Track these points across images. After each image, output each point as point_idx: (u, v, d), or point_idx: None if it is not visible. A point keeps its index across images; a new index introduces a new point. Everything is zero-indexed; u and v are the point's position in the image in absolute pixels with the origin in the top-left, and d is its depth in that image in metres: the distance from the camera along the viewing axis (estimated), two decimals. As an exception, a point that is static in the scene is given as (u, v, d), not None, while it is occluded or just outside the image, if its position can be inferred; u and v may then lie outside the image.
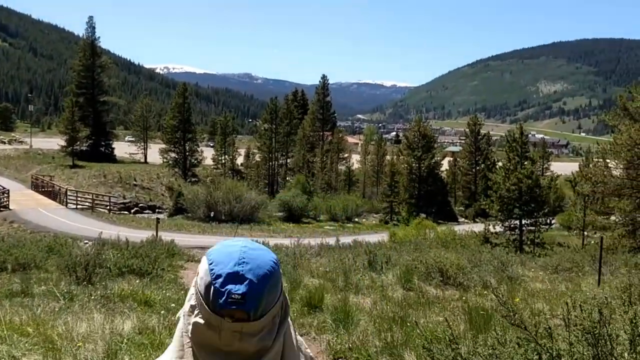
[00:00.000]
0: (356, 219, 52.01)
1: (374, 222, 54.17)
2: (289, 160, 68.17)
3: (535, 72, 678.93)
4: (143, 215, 47.85)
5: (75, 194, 45.89)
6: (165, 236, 33.28)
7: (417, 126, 58.60)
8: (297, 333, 1.36)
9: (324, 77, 75.53)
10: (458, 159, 68.37)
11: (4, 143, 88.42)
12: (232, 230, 34.71)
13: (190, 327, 1.20)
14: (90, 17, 74.94)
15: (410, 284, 9.72)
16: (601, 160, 24.01)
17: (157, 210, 53.21)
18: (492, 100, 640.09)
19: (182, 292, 9.91)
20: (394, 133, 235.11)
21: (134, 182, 59.68)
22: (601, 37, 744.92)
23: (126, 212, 50.26)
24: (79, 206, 44.07)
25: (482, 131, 66.49)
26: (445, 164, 65.44)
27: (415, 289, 9.65)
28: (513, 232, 27.22)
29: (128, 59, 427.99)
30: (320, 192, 58.27)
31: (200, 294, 1.19)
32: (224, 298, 1.14)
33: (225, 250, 1.22)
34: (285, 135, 65.71)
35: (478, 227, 38.33)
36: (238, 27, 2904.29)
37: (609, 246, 22.98)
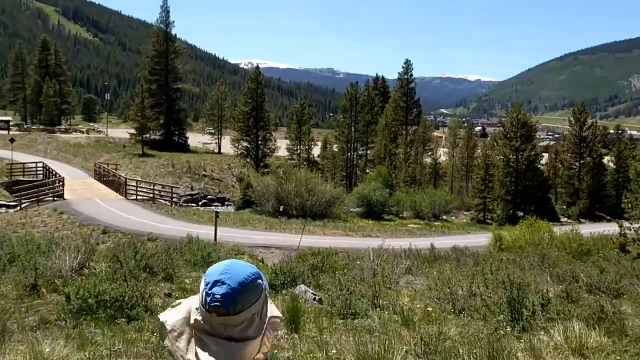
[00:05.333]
0: (444, 217, 46.31)
1: (464, 220, 48.41)
2: (369, 152, 62.80)
3: (627, 67, 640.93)
4: (211, 208, 44.17)
5: (136, 185, 42.39)
6: (226, 233, 29.08)
7: (516, 113, 51.73)
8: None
9: (407, 62, 69.64)
10: (560, 153, 60.94)
11: (82, 133, 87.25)
12: (302, 227, 29.97)
13: (193, 322, 1.61)
14: (165, 1, 71.79)
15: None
16: None
17: (226, 203, 49.75)
18: (581, 95, 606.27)
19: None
20: (479, 128, 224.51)
21: (204, 173, 56.11)
22: None
23: (193, 205, 47.29)
24: (139, 197, 40.43)
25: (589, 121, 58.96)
26: (545, 158, 58.42)
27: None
28: (664, 240, 20.98)
29: (213, 54, 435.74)
30: (404, 187, 52.55)
31: (200, 298, 1.62)
32: (210, 298, 1.57)
33: (217, 265, 1.66)
34: (366, 125, 60.44)
35: (587, 229, 32.64)
36: (321, 22, 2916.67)
37: None
